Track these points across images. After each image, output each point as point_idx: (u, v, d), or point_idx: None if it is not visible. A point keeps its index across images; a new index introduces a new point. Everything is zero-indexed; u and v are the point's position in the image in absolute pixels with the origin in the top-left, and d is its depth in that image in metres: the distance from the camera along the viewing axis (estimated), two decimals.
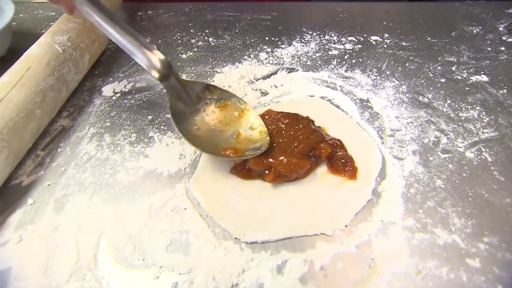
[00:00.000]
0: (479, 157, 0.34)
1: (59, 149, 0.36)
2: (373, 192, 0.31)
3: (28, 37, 0.54)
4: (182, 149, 0.36)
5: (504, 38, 0.50)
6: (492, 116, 0.38)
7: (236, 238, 0.28)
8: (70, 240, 0.29)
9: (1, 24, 0.44)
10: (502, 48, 0.48)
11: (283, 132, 0.33)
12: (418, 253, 0.27)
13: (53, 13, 0.59)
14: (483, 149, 0.35)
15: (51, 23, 0.56)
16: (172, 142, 0.36)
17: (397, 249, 0.27)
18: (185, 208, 0.30)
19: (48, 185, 0.33)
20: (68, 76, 0.40)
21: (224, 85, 0.43)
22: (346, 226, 0.29)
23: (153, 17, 0.57)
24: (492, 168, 0.33)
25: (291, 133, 0.33)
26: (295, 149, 0.32)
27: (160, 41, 0.52)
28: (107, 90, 0.43)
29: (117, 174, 0.33)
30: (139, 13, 0.58)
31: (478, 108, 0.39)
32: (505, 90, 0.42)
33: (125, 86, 0.44)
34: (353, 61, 0.47)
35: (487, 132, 0.37)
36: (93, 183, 0.33)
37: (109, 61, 0.48)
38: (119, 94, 0.43)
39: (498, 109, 0.39)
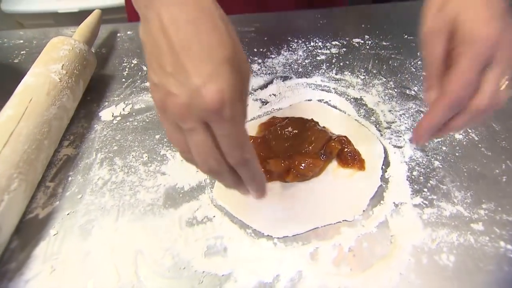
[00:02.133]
0: (467, 137, 0.43)
1: (70, 178, 0.40)
2: (381, 178, 0.39)
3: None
4: None
5: None
6: None
7: (268, 235, 0.34)
8: (106, 262, 0.32)
9: None
10: None
11: (293, 135, 0.40)
12: (430, 225, 0.34)
13: (21, 41, 0.63)
14: (470, 130, 0.44)
15: (22, 52, 0.60)
16: None
17: (412, 224, 0.35)
18: (214, 216, 0.36)
19: (68, 214, 0.37)
20: (68, 104, 0.44)
21: None
22: (363, 211, 0.36)
23: (134, 37, 0.63)
24: (480, 145, 0.42)
25: (301, 136, 0.40)
26: (308, 150, 0.38)
27: None
28: (106, 114, 0.48)
29: (137, 194, 0.38)
30: (119, 34, 0.64)
31: None
32: None
33: (123, 109, 0.48)
34: (341, 64, 0.55)
35: None
36: (115, 205, 0.37)
37: (100, 85, 0.52)
38: (119, 118, 0.47)
39: None
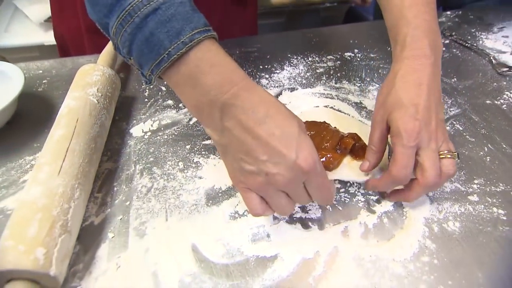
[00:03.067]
0: (453, 128, 0.51)
1: (115, 188, 0.44)
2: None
3: (27, 97, 0.60)
4: None
5: (442, 41, 0.71)
6: (452, 98, 0.56)
7: (303, 221, 0.39)
8: (165, 255, 0.36)
9: (13, 94, 0.50)
10: (443, 49, 0.69)
11: (312, 136, 0.46)
12: (435, 200, 0.41)
13: (40, 71, 0.66)
14: (454, 122, 0.51)
15: (43, 81, 0.63)
16: (218, 162, 0.46)
17: (420, 201, 0.41)
18: None
19: (120, 219, 0.40)
20: (106, 123, 0.48)
21: None
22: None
23: None
24: (464, 134, 0.50)
25: (318, 135, 0.46)
26: (326, 146, 0.44)
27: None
28: (136, 131, 0.52)
29: (181, 197, 0.42)
30: None
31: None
32: (455, 78, 0.61)
33: (151, 125, 0.53)
34: (338, 74, 0.62)
35: (453, 110, 0.54)
36: (162, 208, 0.41)
37: (125, 106, 0.57)
38: (149, 133, 0.52)
39: (455, 92, 0.58)
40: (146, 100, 0.58)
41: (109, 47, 0.62)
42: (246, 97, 0.30)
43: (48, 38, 1.29)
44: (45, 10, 1.26)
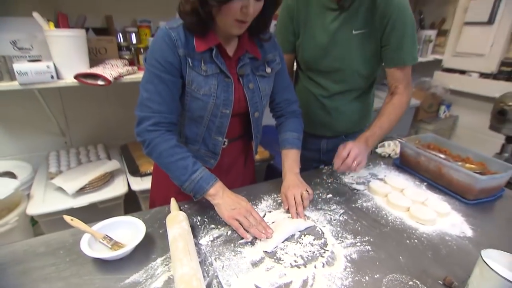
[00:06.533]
0: (341, 216, 1.13)
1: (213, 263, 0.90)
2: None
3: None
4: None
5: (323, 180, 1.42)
6: (338, 205, 1.21)
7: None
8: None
9: (141, 236, 0.97)
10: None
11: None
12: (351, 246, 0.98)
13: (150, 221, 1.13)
14: (344, 216, 1.14)
15: (152, 227, 1.10)
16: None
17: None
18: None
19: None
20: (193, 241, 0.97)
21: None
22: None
23: (190, 210, 1.21)
24: (346, 217, 1.12)
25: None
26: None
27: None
28: (204, 240, 1.01)
29: (243, 252, 0.91)
30: (184, 207, 1.21)
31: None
32: (336, 197, 1.28)
33: (212, 236, 1.02)
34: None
35: (340, 210, 1.18)
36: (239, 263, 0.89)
37: (192, 229, 1.06)
38: (211, 239, 1.01)
39: (336, 200, 1.23)
40: (198, 224, 1.09)
41: (173, 202, 1.15)
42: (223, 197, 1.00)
43: (77, 202, 1.71)
44: (78, 184, 1.72)
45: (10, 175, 1.76)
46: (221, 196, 1.00)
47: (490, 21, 2.68)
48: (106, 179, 1.85)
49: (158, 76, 0.96)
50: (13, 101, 1.92)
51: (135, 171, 1.97)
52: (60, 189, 1.72)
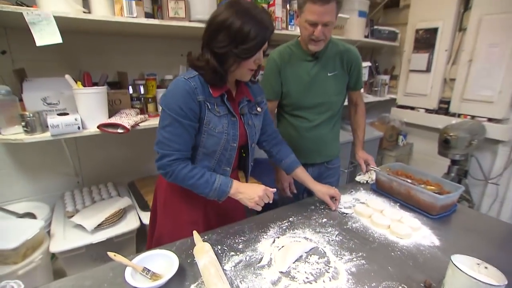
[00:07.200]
0: (337, 237, 1.24)
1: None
2: None
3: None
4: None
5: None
6: (333, 227, 1.33)
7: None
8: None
9: (175, 268, 1.02)
10: None
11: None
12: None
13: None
14: (339, 237, 1.26)
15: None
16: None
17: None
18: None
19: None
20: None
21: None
22: None
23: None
24: (341, 237, 1.23)
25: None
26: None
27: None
28: (228, 266, 1.07)
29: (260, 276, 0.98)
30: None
31: None
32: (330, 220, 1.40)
33: (233, 262, 1.09)
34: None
35: (335, 233, 1.29)
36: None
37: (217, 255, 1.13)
38: (233, 264, 1.07)
39: (331, 223, 1.35)
40: (220, 253, 1.15)
41: (196, 234, 1.21)
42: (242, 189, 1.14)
43: (95, 238, 1.70)
44: (96, 221, 1.73)
45: (31, 215, 1.74)
46: (240, 191, 1.15)
47: (428, 69, 3.06)
48: (121, 215, 1.86)
49: (178, 120, 1.06)
50: (34, 148, 1.93)
51: (145, 207, 1.99)
52: (78, 226, 1.72)
